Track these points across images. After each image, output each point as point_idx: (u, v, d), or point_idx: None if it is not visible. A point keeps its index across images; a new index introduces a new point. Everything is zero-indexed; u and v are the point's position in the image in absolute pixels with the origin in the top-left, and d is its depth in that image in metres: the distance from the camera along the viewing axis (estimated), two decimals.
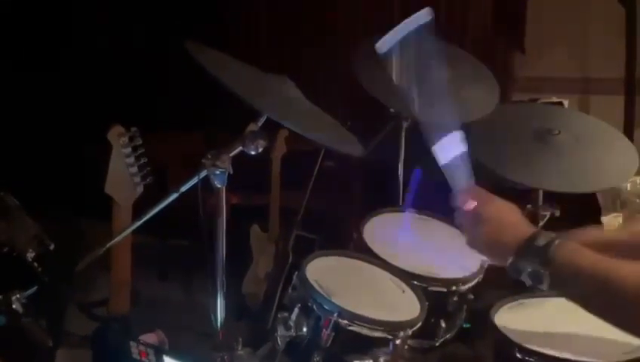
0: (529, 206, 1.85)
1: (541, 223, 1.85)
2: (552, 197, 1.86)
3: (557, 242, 0.94)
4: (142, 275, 2.45)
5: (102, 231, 1.46)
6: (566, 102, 2.13)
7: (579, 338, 1.30)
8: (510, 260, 0.96)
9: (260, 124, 1.21)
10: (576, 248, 0.94)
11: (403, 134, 1.91)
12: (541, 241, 0.94)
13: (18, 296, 0.98)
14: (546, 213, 1.86)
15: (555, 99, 2.18)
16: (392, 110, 1.88)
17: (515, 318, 1.42)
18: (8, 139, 2.65)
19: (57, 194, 2.53)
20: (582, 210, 2.08)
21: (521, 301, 1.49)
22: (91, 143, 1.46)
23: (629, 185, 2.01)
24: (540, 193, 1.85)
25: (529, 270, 0.94)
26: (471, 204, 1.04)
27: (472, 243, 1.04)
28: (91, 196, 1.46)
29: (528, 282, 0.96)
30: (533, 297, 1.51)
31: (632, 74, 2.81)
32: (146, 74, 2.81)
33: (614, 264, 0.90)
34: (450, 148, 1.10)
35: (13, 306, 0.99)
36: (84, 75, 2.80)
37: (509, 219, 1.02)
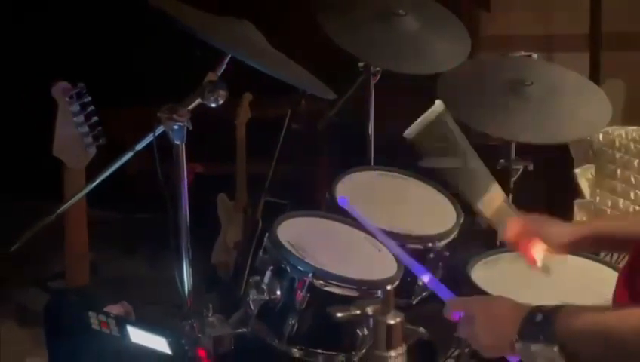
0: (502, 160, 1.83)
1: (514, 177, 1.83)
2: (524, 151, 1.84)
3: (555, 311, 0.91)
4: (107, 252, 2.37)
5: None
6: (535, 56, 2.09)
7: (554, 292, 1.28)
8: (518, 347, 0.92)
9: (219, 73, 1.12)
10: (573, 312, 0.90)
11: (372, 90, 1.84)
12: (539, 317, 0.91)
13: None
14: (518, 166, 1.83)
15: (524, 53, 2.15)
16: (360, 64, 1.81)
17: (491, 273, 1.42)
18: None
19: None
20: (555, 162, 2.07)
21: (496, 256, 1.48)
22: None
23: (601, 135, 2.00)
24: (513, 146, 1.82)
25: (539, 349, 0.90)
26: (459, 313, 1.01)
27: (479, 347, 0.99)
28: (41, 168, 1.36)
29: None
30: (508, 252, 1.49)
31: (597, 29, 2.79)
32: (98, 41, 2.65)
33: (612, 322, 0.87)
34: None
35: None
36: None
37: (500, 309, 0.98)
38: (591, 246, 1.22)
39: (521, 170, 1.84)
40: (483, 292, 1.34)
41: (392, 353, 0.46)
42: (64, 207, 1.20)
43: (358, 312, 0.50)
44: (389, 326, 0.48)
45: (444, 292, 1.04)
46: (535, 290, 1.31)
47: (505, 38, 2.93)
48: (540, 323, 0.90)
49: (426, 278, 1.06)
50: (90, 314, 1.03)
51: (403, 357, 0.46)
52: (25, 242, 1.24)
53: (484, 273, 1.43)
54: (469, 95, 1.77)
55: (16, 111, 2.45)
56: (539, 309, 0.92)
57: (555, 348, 0.87)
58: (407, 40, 1.75)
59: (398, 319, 0.49)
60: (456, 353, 1.66)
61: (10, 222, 1.27)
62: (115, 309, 1.25)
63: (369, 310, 0.50)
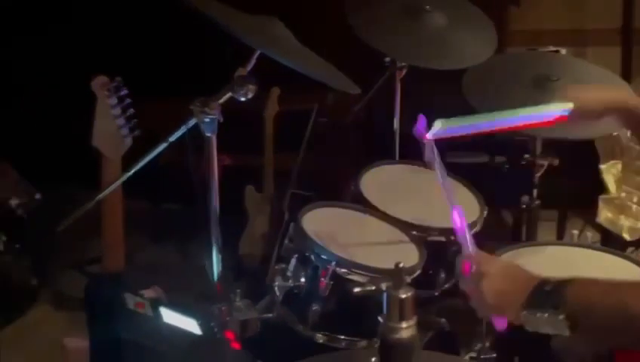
0: (526, 155, 1.83)
1: (539, 173, 1.83)
2: (550, 146, 1.84)
3: (565, 282, 0.91)
4: (136, 240, 2.45)
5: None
6: (563, 51, 2.08)
7: None
8: (523, 313, 0.93)
9: (249, 68, 1.16)
10: (585, 283, 0.91)
11: (398, 85, 1.87)
12: (549, 286, 0.92)
13: None
14: (544, 162, 1.83)
15: (552, 48, 2.14)
16: (387, 59, 1.84)
17: None
18: None
19: (46, 157, 2.48)
20: (580, 158, 2.06)
21: (518, 250, 1.49)
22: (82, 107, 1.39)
23: (628, 132, 1.98)
24: (538, 142, 1.82)
25: (545, 317, 0.91)
26: (470, 267, 1.01)
27: (479, 306, 1.00)
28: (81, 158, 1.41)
29: (548, 331, 0.92)
30: (530, 246, 1.51)
31: (629, 24, 2.75)
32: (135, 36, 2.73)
33: (627, 291, 0.88)
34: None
35: None
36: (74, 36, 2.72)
37: (513, 274, 0.99)
38: (620, 118, 1.22)
39: (546, 166, 1.85)
40: None
41: (404, 324, 0.50)
42: (102, 194, 1.26)
43: (374, 288, 0.54)
44: (401, 300, 0.52)
45: (467, 243, 1.04)
46: None
47: (535, 33, 2.91)
48: (549, 292, 0.90)
49: (457, 219, 1.05)
50: (127, 295, 1.10)
51: (414, 328, 0.50)
52: (65, 228, 1.30)
53: None
54: (495, 90, 1.78)
55: (59, 104, 2.54)
56: (549, 280, 0.93)
57: (561, 317, 0.88)
58: (434, 36, 1.77)
59: (410, 293, 0.53)
60: (478, 346, 1.69)
61: (52, 210, 1.33)
62: (147, 293, 1.30)
63: (383, 286, 0.54)
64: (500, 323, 0.99)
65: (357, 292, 0.56)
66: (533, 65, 1.81)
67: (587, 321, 0.88)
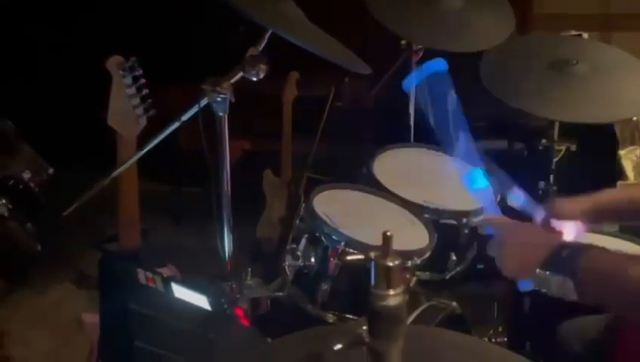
0: (544, 140, 1.81)
1: (556, 158, 1.81)
2: (568, 131, 1.81)
3: (580, 251, 0.95)
4: (156, 222, 2.49)
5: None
6: (585, 35, 2.04)
7: None
8: (537, 271, 0.98)
9: (260, 47, 1.17)
10: (597, 253, 0.95)
11: (414, 68, 1.85)
12: (565, 252, 0.96)
13: (4, 201, 0.98)
14: (561, 147, 1.81)
15: (574, 33, 2.09)
16: (403, 42, 1.83)
17: None
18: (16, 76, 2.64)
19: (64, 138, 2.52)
20: (599, 143, 2.02)
21: None
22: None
23: None
24: (556, 126, 1.80)
25: (556, 280, 0.95)
26: (495, 230, 1.07)
27: (501, 266, 1.05)
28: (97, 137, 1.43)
29: (558, 294, 0.97)
30: None
31: None
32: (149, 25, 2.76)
33: (632, 265, 0.90)
34: (474, 183, 1.14)
35: None
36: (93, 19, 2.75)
37: (533, 238, 1.05)
38: (597, 215, 1.19)
39: (563, 151, 1.82)
40: None
41: (391, 291, 0.51)
42: (118, 171, 1.29)
43: (363, 257, 0.55)
44: (388, 268, 0.53)
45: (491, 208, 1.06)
46: None
47: (560, 17, 2.85)
48: (565, 257, 0.94)
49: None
50: (139, 270, 1.12)
51: (401, 296, 0.51)
52: (84, 206, 1.33)
53: None
54: (513, 74, 1.75)
55: (74, 83, 2.59)
56: (566, 245, 0.97)
57: (571, 283, 0.92)
58: (450, 18, 1.75)
59: (397, 262, 0.54)
60: (490, 331, 1.68)
61: (70, 189, 1.36)
62: (162, 271, 1.33)
63: (372, 255, 0.55)
64: (524, 285, 1.02)
65: (348, 260, 0.57)
66: (553, 49, 1.77)
67: (593, 288, 0.91)
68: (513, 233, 1.05)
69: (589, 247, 0.95)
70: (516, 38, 1.85)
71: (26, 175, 1.15)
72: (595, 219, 1.14)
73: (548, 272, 0.94)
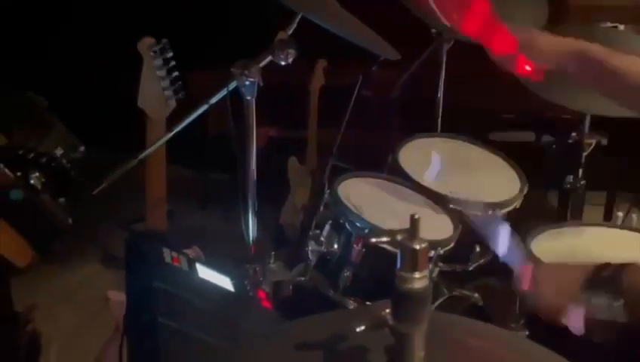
0: (574, 134, 1.78)
1: (586, 151, 1.78)
2: (599, 125, 1.78)
3: (623, 267, 0.90)
4: (182, 205, 2.53)
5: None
6: (622, 27, 1.99)
7: None
8: (581, 298, 0.92)
9: (289, 31, 1.17)
10: None
11: (444, 58, 1.84)
12: (607, 271, 0.91)
13: (37, 174, 1.00)
14: (591, 141, 1.78)
15: (609, 24, 2.04)
16: (433, 31, 1.81)
17: (553, 246, 1.40)
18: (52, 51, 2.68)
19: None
20: (631, 138, 1.98)
21: (558, 230, 1.46)
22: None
23: None
24: (587, 120, 1.76)
25: (602, 303, 0.90)
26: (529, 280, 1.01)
27: (537, 300, 1.00)
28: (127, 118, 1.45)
29: (606, 317, 0.90)
30: (571, 226, 1.47)
31: None
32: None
33: None
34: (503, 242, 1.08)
35: (31, 182, 1.01)
36: None
37: (568, 269, 0.98)
38: (574, 65, 1.10)
39: (594, 145, 1.79)
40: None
41: (417, 274, 0.51)
42: (146, 152, 1.31)
43: (389, 239, 0.55)
44: (414, 251, 0.53)
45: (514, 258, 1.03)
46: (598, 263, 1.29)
47: (596, 9, 2.79)
48: (607, 277, 0.89)
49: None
50: (164, 249, 1.14)
51: (426, 279, 0.51)
52: (112, 187, 1.35)
53: (546, 245, 1.42)
54: None
55: (106, 64, 2.62)
56: (607, 264, 0.91)
57: (619, 303, 0.87)
58: None
59: (423, 245, 0.54)
60: (512, 324, 1.67)
61: (98, 169, 1.38)
62: (187, 252, 1.35)
63: (398, 236, 0.55)
64: (576, 324, 0.95)
65: (374, 242, 0.57)
66: (589, 41, 1.74)
67: None
68: (546, 271, 1.00)
69: (631, 265, 0.89)
70: (550, 29, 1.81)
71: (59, 151, 1.18)
72: (571, 65, 1.03)
73: (594, 300, 0.89)
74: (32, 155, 1.16)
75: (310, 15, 1.10)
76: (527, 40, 1.11)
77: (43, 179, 1.01)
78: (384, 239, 0.55)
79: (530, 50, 1.10)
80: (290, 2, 1.10)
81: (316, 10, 1.13)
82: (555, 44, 1.10)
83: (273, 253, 1.37)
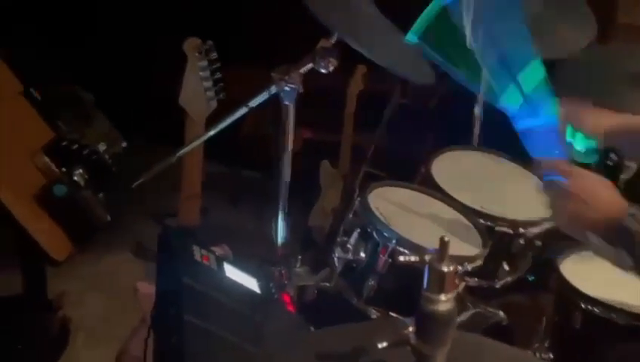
0: (612, 154, 1.73)
1: (625, 175, 1.73)
2: None
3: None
4: (215, 202, 2.56)
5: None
6: None
7: None
8: (588, 236, 0.93)
9: (332, 40, 1.18)
10: None
11: (484, 71, 1.81)
12: (624, 222, 0.91)
13: (81, 170, 1.04)
14: (631, 163, 1.73)
15: None
16: (473, 45, 1.79)
17: (581, 269, 1.39)
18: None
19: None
20: None
21: (589, 252, 1.44)
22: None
23: None
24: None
25: (613, 250, 0.91)
26: (561, 177, 0.99)
27: (557, 217, 1.01)
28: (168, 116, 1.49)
29: (610, 260, 0.92)
30: None
31: None
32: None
33: None
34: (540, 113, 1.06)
35: (75, 178, 1.04)
36: None
37: (596, 199, 0.97)
38: (622, 140, 1.14)
39: (635, 168, 1.74)
40: (571, 287, 1.32)
41: (443, 296, 0.51)
42: (184, 150, 1.34)
43: (417, 259, 0.55)
44: (442, 273, 0.53)
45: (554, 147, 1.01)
46: (625, 289, 1.27)
47: None
48: (623, 230, 0.89)
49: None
50: (195, 247, 1.16)
51: (452, 302, 0.51)
52: (149, 181, 1.39)
53: (575, 267, 1.40)
54: (587, 83, 1.69)
55: (151, 63, 2.69)
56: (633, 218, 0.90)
57: (627, 256, 0.88)
58: (528, 21, 1.70)
59: (452, 268, 0.54)
60: (536, 345, 1.64)
61: (139, 164, 1.42)
62: (215, 250, 1.37)
63: (427, 258, 0.55)
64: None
65: (402, 262, 0.57)
66: (633, 61, 1.70)
67: None
68: (577, 187, 0.96)
69: None
70: (597, 47, 1.78)
71: (102, 146, 1.22)
72: (617, 141, 1.05)
73: (600, 239, 0.88)
74: (75, 146, 1.20)
75: (346, 38, 1.09)
76: (574, 116, 1.13)
77: (86, 176, 1.05)
78: (412, 259, 0.55)
79: (578, 126, 1.13)
80: (327, 22, 1.09)
81: (353, 33, 1.11)
82: (602, 122, 1.13)
83: (300, 257, 1.39)
